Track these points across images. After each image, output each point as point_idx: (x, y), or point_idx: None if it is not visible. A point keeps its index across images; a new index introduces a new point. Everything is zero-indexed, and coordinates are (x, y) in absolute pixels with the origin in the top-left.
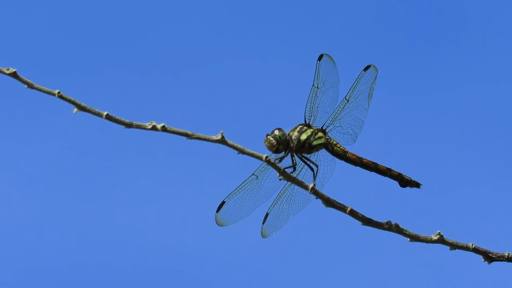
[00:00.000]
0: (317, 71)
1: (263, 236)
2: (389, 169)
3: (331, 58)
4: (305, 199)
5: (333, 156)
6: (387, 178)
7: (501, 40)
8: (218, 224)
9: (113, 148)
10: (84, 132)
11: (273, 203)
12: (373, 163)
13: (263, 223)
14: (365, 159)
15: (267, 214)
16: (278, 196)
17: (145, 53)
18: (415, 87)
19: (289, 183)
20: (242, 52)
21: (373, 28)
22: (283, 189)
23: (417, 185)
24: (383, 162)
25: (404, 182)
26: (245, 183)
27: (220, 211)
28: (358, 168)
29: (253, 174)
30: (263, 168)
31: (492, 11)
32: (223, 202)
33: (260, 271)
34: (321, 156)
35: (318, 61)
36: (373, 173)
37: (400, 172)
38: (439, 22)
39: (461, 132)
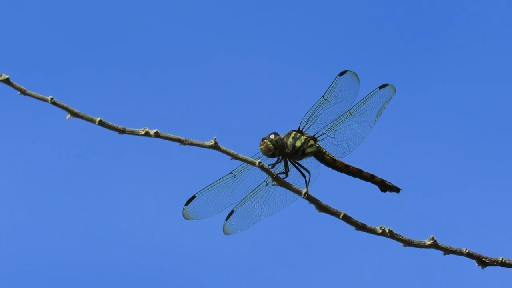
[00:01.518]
0: (333, 85)
1: (225, 233)
2: (372, 176)
3: (356, 76)
4: (281, 203)
5: (319, 163)
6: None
7: (495, 40)
8: (185, 218)
9: (110, 147)
10: (81, 132)
11: (242, 202)
12: (359, 170)
13: (226, 219)
14: (352, 166)
15: (232, 211)
16: (249, 196)
17: (140, 52)
18: (406, 90)
19: (263, 184)
20: (237, 52)
21: (366, 31)
22: (256, 190)
23: (396, 190)
24: (366, 166)
25: (385, 187)
26: (221, 180)
27: (189, 205)
28: None
29: (231, 172)
30: (243, 168)
31: (489, 11)
32: (193, 196)
33: (253, 275)
34: (306, 162)
35: (338, 76)
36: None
37: (383, 178)
38: (429, 22)
39: (460, 133)
